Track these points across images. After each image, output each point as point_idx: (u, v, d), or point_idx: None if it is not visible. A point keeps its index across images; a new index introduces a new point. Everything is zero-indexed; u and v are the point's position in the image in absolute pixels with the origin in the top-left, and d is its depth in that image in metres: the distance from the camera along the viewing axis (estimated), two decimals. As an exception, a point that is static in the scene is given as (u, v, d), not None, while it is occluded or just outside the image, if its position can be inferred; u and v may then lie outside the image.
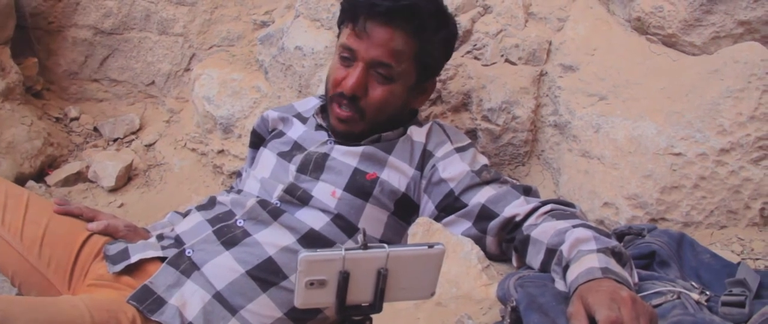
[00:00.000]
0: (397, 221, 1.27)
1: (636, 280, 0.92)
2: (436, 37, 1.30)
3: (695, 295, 0.86)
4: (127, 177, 2.23)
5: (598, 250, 0.90)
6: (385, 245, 0.73)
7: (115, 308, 1.03)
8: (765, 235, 1.26)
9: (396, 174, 1.26)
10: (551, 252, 1.00)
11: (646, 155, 1.34)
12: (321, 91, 1.76)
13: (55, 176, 2.20)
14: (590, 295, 0.79)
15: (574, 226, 0.99)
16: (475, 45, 1.69)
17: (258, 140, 1.50)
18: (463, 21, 1.67)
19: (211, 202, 1.30)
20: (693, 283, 0.91)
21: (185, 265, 1.13)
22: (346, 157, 1.26)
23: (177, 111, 2.46)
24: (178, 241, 1.20)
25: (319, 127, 1.38)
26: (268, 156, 1.36)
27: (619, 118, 1.43)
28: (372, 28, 1.23)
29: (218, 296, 1.10)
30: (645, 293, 0.89)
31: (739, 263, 0.98)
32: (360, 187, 1.22)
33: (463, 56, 1.69)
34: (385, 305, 0.77)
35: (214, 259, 1.13)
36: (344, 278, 0.73)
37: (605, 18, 1.62)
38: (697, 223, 1.30)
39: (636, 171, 1.35)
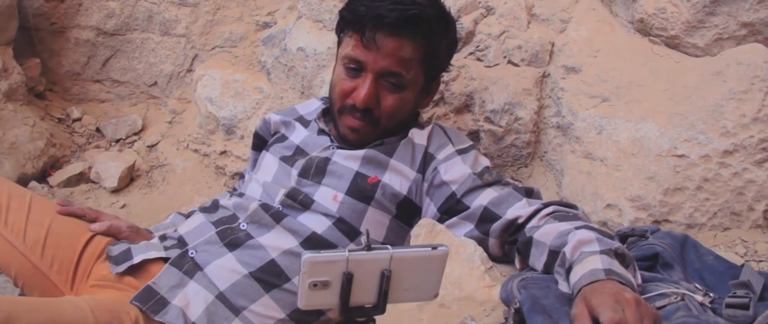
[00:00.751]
0: (399, 224, 1.27)
1: (639, 281, 0.92)
2: (443, 42, 1.31)
3: (699, 297, 0.86)
4: (129, 178, 2.23)
5: (601, 252, 0.89)
6: (389, 247, 0.73)
7: (118, 309, 1.03)
8: (768, 237, 1.26)
9: (397, 177, 1.25)
10: (554, 254, 0.99)
11: (649, 157, 1.34)
12: (323, 92, 1.76)
13: (57, 177, 2.20)
14: (594, 296, 0.79)
15: (577, 228, 0.99)
16: (477, 46, 1.68)
17: (260, 143, 1.49)
18: (465, 22, 1.67)
19: (214, 205, 1.30)
20: (697, 285, 0.91)
21: (188, 266, 1.13)
22: (347, 161, 1.26)
23: (179, 112, 2.46)
24: (181, 242, 1.20)
25: (321, 131, 1.38)
26: (270, 160, 1.36)
27: (621, 119, 1.43)
28: (380, 39, 1.21)
29: (221, 297, 1.11)
30: (648, 295, 0.88)
31: (742, 265, 0.98)
32: (362, 190, 1.22)
33: (465, 58, 1.69)
34: (389, 307, 0.77)
35: (217, 260, 1.14)
36: (348, 279, 0.73)
37: (608, 19, 1.61)
38: (701, 224, 1.30)
39: (639, 173, 1.34)
